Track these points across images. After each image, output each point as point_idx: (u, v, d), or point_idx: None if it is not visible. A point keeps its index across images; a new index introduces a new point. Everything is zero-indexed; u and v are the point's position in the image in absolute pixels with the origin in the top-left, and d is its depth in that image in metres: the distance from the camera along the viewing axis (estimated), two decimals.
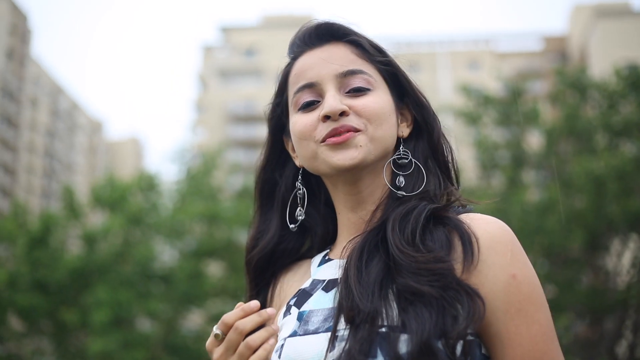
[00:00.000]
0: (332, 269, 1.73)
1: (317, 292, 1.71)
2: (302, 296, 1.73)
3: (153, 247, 24.37)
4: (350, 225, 1.76)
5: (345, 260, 1.65)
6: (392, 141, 1.74)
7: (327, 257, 1.80)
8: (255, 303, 1.55)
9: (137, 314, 23.31)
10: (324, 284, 1.71)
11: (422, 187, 1.72)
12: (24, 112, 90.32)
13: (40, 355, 25.19)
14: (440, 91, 76.53)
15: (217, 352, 1.55)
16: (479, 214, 1.65)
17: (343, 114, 1.69)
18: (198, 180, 26.36)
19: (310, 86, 1.75)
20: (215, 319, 21.97)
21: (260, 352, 1.51)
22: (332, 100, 1.69)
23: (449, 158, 1.79)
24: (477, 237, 1.57)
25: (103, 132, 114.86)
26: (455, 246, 1.57)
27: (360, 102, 1.71)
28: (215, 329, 1.55)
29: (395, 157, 1.75)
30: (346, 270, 1.60)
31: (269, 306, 1.86)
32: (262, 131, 75.81)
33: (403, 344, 1.47)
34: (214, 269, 25.88)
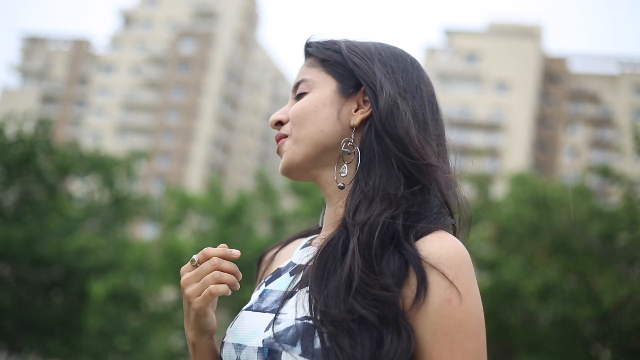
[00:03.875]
0: (305, 255, 1.75)
1: (285, 274, 1.77)
2: (275, 275, 1.80)
3: None
4: (328, 217, 1.78)
5: (314, 253, 1.69)
6: (324, 136, 1.73)
7: (308, 242, 1.84)
8: (236, 252, 1.64)
9: None
10: (294, 267, 1.76)
11: (370, 183, 1.66)
12: (246, 95, 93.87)
13: (219, 332, 26.10)
14: None
15: (187, 275, 1.66)
16: (442, 233, 1.61)
17: (280, 123, 1.81)
18: None
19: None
20: None
21: (220, 286, 1.61)
22: (274, 114, 1.82)
23: (421, 155, 1.67)
24: (426, 262, 1.55)
25: None
26: (410, 283, 1.55)
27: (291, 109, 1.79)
28: (195, 256, 1.66)
29: (343, 147, 1.73)
30: (311, 271, 1.64)
31: (260, 275, 1.93)
32: (476, 138, 75.63)
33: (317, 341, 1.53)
34: None
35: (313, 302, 1.56)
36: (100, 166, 24.47)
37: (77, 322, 22.71)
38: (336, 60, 1.79)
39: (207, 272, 1.63)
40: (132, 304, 24.02)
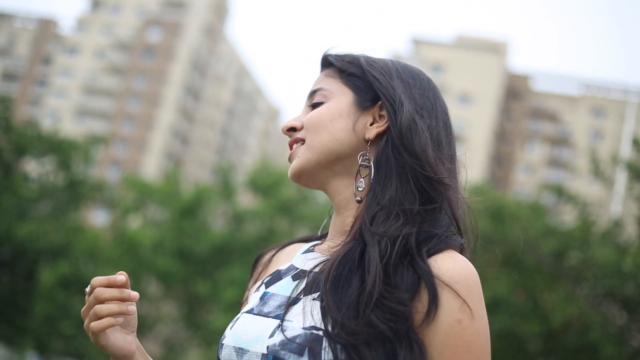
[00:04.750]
0: (309, 260, 1.75)
1: (287, 277, 1.75)
2: (275, 277, 1.79)
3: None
4: (335, 226, 1.79)
5: (326, 261, 1.68)
6: (338, 145, 1.75)
7: (311, 248, 1.84)
8: (121, 278, 1.63)
9: None
10: (296, 271, 1.75)
11: (387, 196, 1.67)
12: (210, 87, 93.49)
13: (171, 320, 26.02)
14: (622, 140, 74.07)
15: (84, 308, 1.67)
16: (453, 253, 1.63)
17: (293, 130, 1.83)
18: None
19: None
20: None
21: (102, 321, 1.61)
22: (287, 119, 1.85)
23: (435, 172, 1.69)
24: (439, 280, 1.56)
25: (279, 120, 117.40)
26: (422, 298, 1.56)
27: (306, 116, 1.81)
28: (87, 288, 1.67)
29: (360, 161, 1.74)
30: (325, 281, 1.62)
31: (256, 275, 1.93)
32: None
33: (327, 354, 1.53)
34: None
35: (330, 313, 1.55)
36: (58, 148, 24.19)
37: (24, 304, 22.48)
38: (355, 73, 1.81)
39: (92, 306, 1.63)
40: (80, 289, 23.82)
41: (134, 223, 26.79)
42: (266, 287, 1.76)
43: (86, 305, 1.65)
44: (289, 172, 1.82)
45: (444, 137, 1.77)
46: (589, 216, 21.82)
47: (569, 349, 19.06)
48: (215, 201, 25.60)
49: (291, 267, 1.78)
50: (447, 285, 1.55)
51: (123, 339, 1.69)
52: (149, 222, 26.11)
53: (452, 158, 1.78)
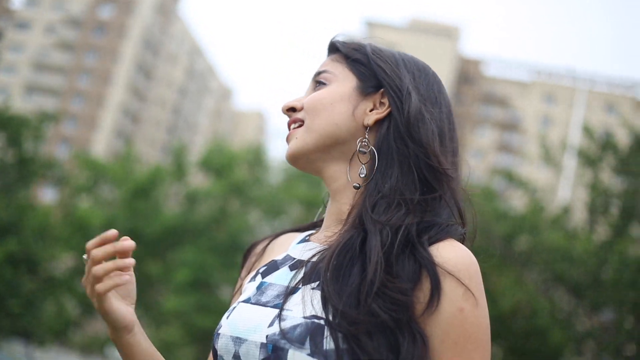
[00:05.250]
0: (306, 250, 1.75)
1: (284, 267, 1.74)
2: (271, 267, 1.78)
3: (248, 220, 24.69)
4: (331, 214, 1.78)
5: (325, 251, 1.68)
6: (337, 129, 1.75)
7: (307, 238, 1.84)
8: (112, 232, 1.62)
9: (219, 282, 23.67)
10: (293, 261, 1.74)
11: (387, 185, 1.67)
12: (162, 66, 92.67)
13: None
14: (571, 127, 74.96)
15: (84, 276, 1.65)
16: (454, 242, 1.62)
17: (293, 110, 1.82)
18: None
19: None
20: None
21: (106, 282, 1.60)
22: (288, 99, 1.85)
23: (440, 163, 1.69)
24: (441, 268, 1.56)
25: (231, 100, 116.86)
26: (423, 287, 1.56)
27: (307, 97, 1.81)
28: (84, 255, 1.65)
29: (359, 147, 1.74)
30: (326, 271, 1.61)
31: (249, 265, 1.92)
32: None
33: (329, 342, 1.52)
34: None
35: (331, 302, 1.54)
36: (8, 125, 23.81)
37: None
38: (360, 59, 1.81)
39: (90, 270, 1.62)
40: (29, 267, 23.56)
41: (85, 202, 26.51)
42: (262, 277, 1.75)
43: (85, 272, 1.64)
44: (286, 154, 1.81)
45: (447, 130, 1.77)
46: (538, 202, 22.11)
47: (518, 333, 19.28)
48: (168, 182, 25.44)
49: (288, 257, 1.77)
50: (450, 274, 1.54)
51: (125, 308, 1.68)
52: (101, 202, 25.87)
53: (455, 151, 1.78)
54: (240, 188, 24.57)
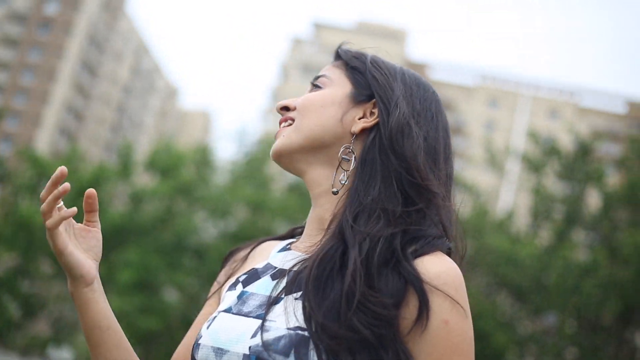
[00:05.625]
0: (288, 260, 1.74)
1: (265, 276, 1.73)
2: (252, 276, 1.76)
3: (194, 221, 24.55)
4: (312, 222, 1.78)
5: (306, 260, 1.66)
6: (323, 132, 1.75)
7: (288, 246, 1.82)
8: (61, 169, 1.62)
9: (164, 283, 23.49)
10: (274, 270, 1.73)
11: (370, 197, 1.65)
12: (107, 63, 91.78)
13: (62, 300, 25.55)
14: (514, 132, 75.86)
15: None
16: (440, 254, 1.61)
17: (286, 109, 1.83)
18: (254, 166, 26.48)
19: None
20: None
21: (54, 216, 1.61)
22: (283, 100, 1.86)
23: (423, 178, 1.68)
24: (429, 285, 1.55)
25: (177, 99, 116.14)
26: (409, 304, 1.54)
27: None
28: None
29: (341, 153, 1.74)
30: (307, 282, 1.59)
31: (229, 270, 1.91)
32: None
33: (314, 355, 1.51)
34: None
35: (310, 314, 1.53)
36: None
37: None
38: (358, 67, 1.83)
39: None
40: None
41: (27, 201, 26.11)
42: (244, 286, 1.73)
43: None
44: (271, 150, 1.82)
45: (442, 150, 1.77)
46: (482, 205, 22.33)
47: None
48: (114, 181, 25.17)
49: (269, 266, 1.75)
50: (437, 289, 1.53)
51: (84, 258, 1.67)
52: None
53: (449, 177, 1.78)
54: (187, 188, 24.41)
